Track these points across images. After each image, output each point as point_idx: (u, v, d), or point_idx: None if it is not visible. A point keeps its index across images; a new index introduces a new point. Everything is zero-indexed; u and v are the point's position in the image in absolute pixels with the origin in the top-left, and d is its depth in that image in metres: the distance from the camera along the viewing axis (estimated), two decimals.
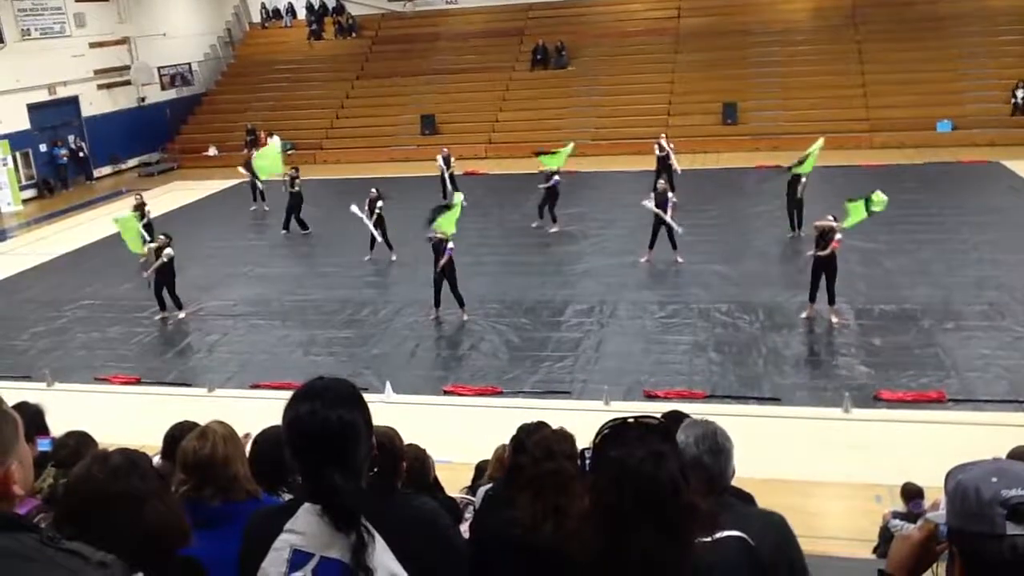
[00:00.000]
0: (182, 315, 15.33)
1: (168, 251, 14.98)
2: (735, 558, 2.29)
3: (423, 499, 2.63)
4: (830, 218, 13.34)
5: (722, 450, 2.65)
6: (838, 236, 13.13)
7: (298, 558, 2.19)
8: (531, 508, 2.89)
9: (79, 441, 4.01)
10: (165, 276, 15.15)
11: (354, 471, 2.21)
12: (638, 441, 1.89)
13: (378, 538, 2.16)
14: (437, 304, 14.43)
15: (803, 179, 17.36)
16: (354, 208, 17.59)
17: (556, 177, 19.09)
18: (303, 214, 20.46)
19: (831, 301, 13.42)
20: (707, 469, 2.60)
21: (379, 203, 17.66)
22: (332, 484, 2.15)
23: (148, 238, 16.84)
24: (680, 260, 16.34)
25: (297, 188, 20.29)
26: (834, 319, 13.38)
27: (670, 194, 16.82)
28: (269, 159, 20.23)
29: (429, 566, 2.23)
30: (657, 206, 16.31)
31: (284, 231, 20.49)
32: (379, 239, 17.74)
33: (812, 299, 13.53)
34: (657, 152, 21.03)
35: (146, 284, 15.51)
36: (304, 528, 2.21)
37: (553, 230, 19.12)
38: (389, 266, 17.65)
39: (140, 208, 18.27)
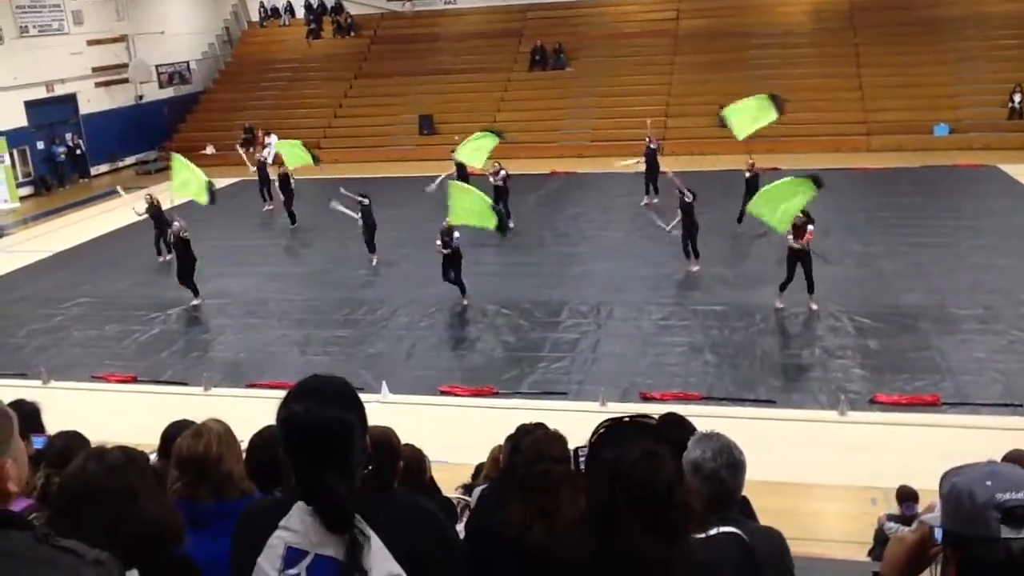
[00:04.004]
0: (196, 302, 15.88)
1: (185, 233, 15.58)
2: (730, 555, 2.28)
3: (420, 499, 2.63)
4: (801, 215, 13.59)
5: (738, 464, 2.63)
6: (810, 228, 13.52)
7: (292, 555, 2.18)
8: (521, 509, 2.90)
9: (69, 441, 3.98)
10: (185, 262, 15.66)
11: (348, 471, 2.19)
12: (633, 441, 1.88)
13: (374, 538, 2.15)
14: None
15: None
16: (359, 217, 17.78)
17: (503, 172, 19.26)
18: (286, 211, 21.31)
19: (810, 290, 13.76)
20: (724, 483, 2.58)
21: (365, 200, 17.63)
22: (324, 486, 2.13)
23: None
24: (695, 269, 15.99)
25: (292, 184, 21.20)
26: (813, 306, 13.79)
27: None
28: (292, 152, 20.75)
29: (426, 566, 2.23)
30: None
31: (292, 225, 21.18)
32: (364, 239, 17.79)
33: (783, 289, 13.93)
34: (648, 144, 20.93)
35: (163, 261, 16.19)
36: (298, 526, 2.20)
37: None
38: (388, 266, 17.60)
39: (156, 208, 18.64)
